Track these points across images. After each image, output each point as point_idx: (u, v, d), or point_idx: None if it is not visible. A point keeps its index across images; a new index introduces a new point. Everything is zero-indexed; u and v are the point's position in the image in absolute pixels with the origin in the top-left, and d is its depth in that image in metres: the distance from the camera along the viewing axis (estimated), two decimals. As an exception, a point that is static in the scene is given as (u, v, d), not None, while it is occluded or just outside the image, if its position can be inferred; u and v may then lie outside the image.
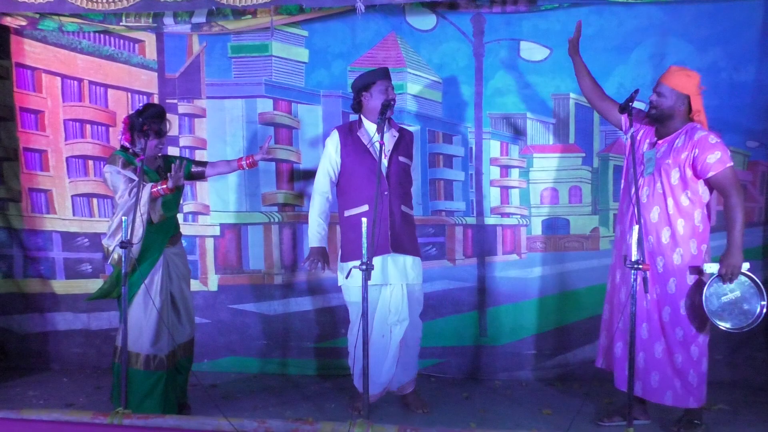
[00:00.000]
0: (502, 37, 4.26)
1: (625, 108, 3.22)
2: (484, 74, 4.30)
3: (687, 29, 4.09)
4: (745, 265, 3.25)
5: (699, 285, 3.29)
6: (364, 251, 3.05)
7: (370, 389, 3.52)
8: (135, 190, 3.39)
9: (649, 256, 3.29)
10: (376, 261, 3.50)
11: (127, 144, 3.57)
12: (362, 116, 3.70)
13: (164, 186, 3.42)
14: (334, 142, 3.70)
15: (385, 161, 3.59)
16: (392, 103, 3.55)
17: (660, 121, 3.34)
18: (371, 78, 3.63)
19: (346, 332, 4.38)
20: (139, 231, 3.38)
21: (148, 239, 3.48)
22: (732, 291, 3.27)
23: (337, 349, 4.43)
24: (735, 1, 4.01)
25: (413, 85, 4.36)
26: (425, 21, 4.31)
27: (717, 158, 3.21)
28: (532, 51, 4.25)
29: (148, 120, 3.49)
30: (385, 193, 3.58)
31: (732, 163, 3.27)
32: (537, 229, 4.39)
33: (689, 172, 3.27)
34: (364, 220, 3.07)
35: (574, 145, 4.33)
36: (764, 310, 3.26)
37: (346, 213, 3.67)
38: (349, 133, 3.69)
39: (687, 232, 3.32)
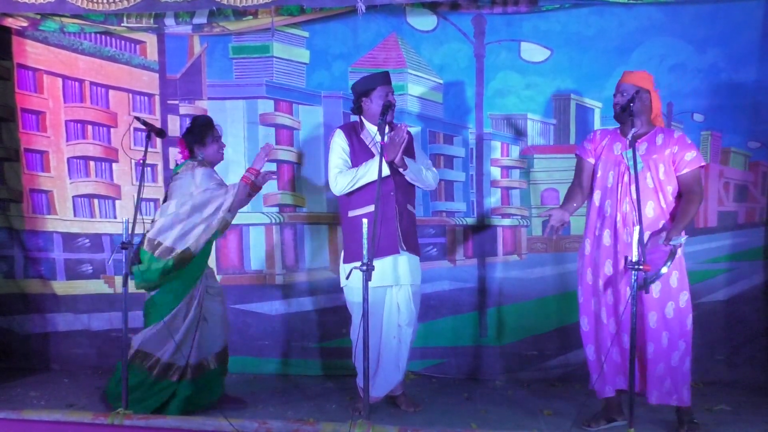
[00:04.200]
0: (503, 38, 4.26)
1: (626, 108, 3.22)
2: (485, 75, 4.30)
3: (687, 30, 4.09)
4: (683, 239, 3.20)
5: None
6: (364, 252, 3.05)
7: (377, 390, 3.54)
8: (225, 192, 3.58)
9: (650, 252, 3.29)
10: (385, 261, 3.51)
11: (185, 160, 3.70)
12: (363, 118, 3.70)
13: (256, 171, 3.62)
14: (341, 139, 3.67)
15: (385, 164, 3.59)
16: (392, 105, 3.54)
17: (626, 119, 3.35)
18: (371, 83, 3.62)
19: (347, 332, 4.39)
20: (203, 236, 3.59)
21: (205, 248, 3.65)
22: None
23: (338, 350, 4.43)
24: (735, 1, 4.01)
25: (414, 86, 4.37)
26: (426, 22, 4.31)
27: (693, 157, 3.30)
28: (532, 52, 4.25)
29: (203, 129, 3.67)
30: (392, 193, 3.58)
31: (704, 164, 3.35)
32: (537, 229, 4.39)
33: (671, 168, 3.32)
34: (365, 221, 3.08)
35: (574, 145, 4.32)
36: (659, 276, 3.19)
37: (351, 213, 3.63)
38: (353, 134, 3.68)
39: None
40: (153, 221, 3.69)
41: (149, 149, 3.55)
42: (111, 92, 4.55)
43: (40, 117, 4.54)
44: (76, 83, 4.53)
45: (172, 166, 4.54)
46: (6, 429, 3.21)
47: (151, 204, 4.54)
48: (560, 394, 4.04)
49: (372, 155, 3.59)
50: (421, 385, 4.24)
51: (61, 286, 4.59)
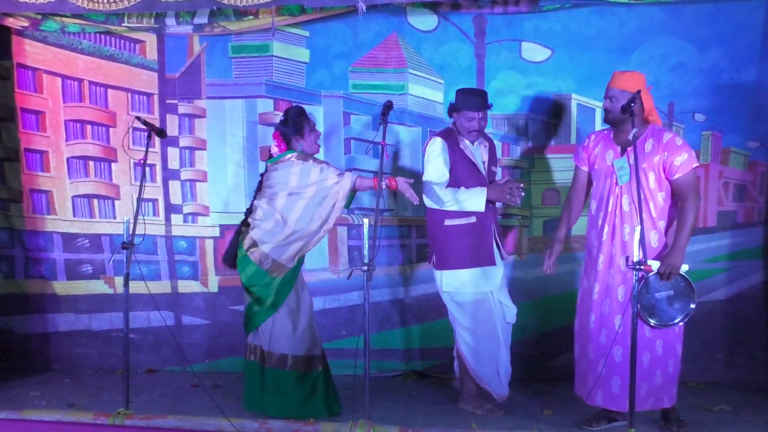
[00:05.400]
0: (504, 37, 4.26)
1: (626, 109, 3.21)
2: (485, 75, 4.30)
3: (688, 30, 4.09)
4: (684, 267, 3.24)
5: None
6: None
7: (505, 389, 3.69)
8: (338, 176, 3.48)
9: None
10: (478, 271, 3.61)
11: (284, 152, 3.61)
12: (457, 128, 3.70)
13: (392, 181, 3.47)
14: (441, 146, 3.62)
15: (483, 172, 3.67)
16: (392, 105, 3.48)
17: (618, 124, 3.36)
18: (461, 103, 3.61)
19: (347, 333, 4.42)
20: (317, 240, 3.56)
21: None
22: (666, 289, 3.27)
23: (338, 350, 4.42)
24: (736, 1, 4.02)
25: (414, 86, 4.36)
26: (427, 21, 4.31)
27: (684, 160, 3.27)
28: (533, 51, 4.25)
29: (299, 120, 3.58)
30: (490, 205, 3.64)
31: (697, 164, 3.32)
32: (538, 229, 4.39)
33: (662, 174, 3.31)
34: (366, 220, 3.13)
35: (576, 145, 4.31)
36: (692, 311, 3.26)
37: (448, 222, 3.62)
38: (453, 142, 3.64)
39: (668, 232, 3.37)
40: (252, 210, 3.62)
41: (148, 149, 3.55)
42: (110, 92, 4.53)
43: (40, 117, 4.53)
44: (75, 83, 4.51)
45: (171, 166, 4.54)
46: (6, 429, 3.21)
47: (150, 204, 4.53)
48: (560, 394, 4.04)
49: (474, 167, 3.62)
50: (421, 385, 4.25)
51: (62, 287, 4.58)
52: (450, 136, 3.67)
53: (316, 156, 3.68)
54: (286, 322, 3.55)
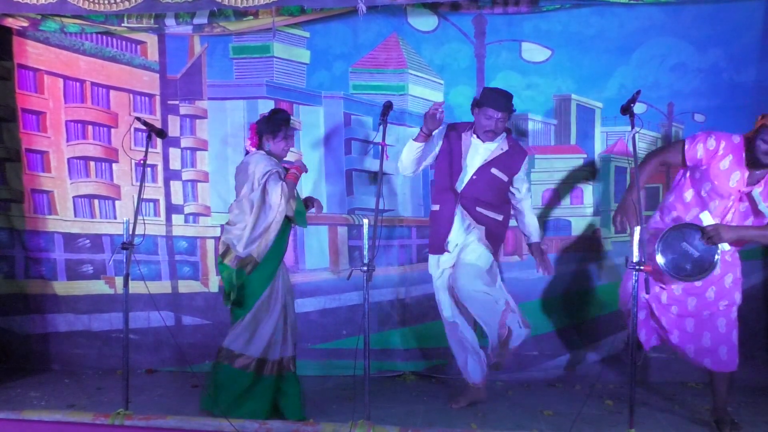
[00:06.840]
0: (504, 38, 4.27)
1: (626, 110, 3.20)
2: (485, 75, 4.31)
3: (688, 30, 4.10)
4: (725, 246, 3.24)
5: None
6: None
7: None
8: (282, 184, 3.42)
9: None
10: (433, 258, 3.77)
11: (253, 148, 3.57)
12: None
13: (294, 170, 3.51)
14: (441, 131, 3.69)
15: (472, 169, 3.63)
16: (391, 105, 3.44)
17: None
18: (484, 99, 3.61)
19: (347, 333, 4.42)
20: (273, 233, 3.47)
21: (276, 242, 3.50)
22: (696, 248, 3.27)
23: (337, 350, 4.43)
24: (735, 2, 4.02)
25: (414, 86, 4.37)
26: (427, 22, 4.31)
27: None
28: (533, 52, 4.26)
29: (279, 122, 3.53)
30: (453, 196, 3.64)
31: None
32: (538, 229, 4.39)
33: None
34: (365, 220, 3.14)
35: (575, 146, 4.33)
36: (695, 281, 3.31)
37: (432, 207, 3.83)
38: (456, 132, 3.70)
39: None
40: (230, 210, 3.59)
41: (149, 149, 3.55)
42: (112, 92, 4.54)
43: (41, 117, 4.54)
44: (77, 83, 4.53)
45: (172, 166, 4.55)
46: (6, 429, 3.21)
47: (151, 204, 4.54)
48: (560, 394, 4.05)
49: (458, 159, 3.63)
50: (421, 385, 4.25)
51: (62, 287, 4.59)
52: (458, 128, 3.71)
53: (280, 160, 3.59)
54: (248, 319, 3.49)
